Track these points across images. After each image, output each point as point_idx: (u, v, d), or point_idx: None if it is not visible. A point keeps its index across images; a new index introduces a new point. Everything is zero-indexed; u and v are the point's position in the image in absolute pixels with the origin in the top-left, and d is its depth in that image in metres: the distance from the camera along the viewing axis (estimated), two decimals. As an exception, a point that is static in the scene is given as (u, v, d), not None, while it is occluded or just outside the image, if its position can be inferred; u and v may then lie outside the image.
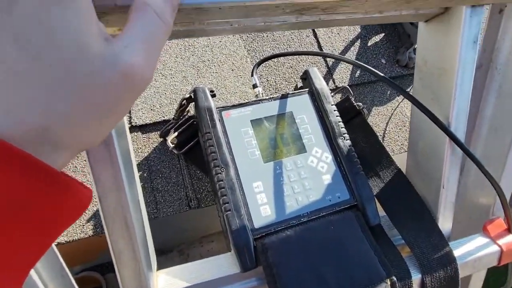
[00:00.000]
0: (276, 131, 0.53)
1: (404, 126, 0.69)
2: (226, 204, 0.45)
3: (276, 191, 0.49)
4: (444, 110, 0.46)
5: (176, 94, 0.63)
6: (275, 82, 0.67)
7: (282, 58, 0.70)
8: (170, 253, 0.67)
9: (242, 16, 0.32)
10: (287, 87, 0.67)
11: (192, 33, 0.35)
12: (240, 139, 0.51)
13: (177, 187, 0.56)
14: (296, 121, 0.54)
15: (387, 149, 0.67)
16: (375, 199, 0.51)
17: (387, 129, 0.68)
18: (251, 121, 0.53)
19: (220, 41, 0.69)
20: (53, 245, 0.38)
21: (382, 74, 0.48)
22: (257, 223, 0.46)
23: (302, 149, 0.52)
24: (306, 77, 0.59)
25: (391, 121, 0.69)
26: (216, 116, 0.51)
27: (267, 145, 0.52)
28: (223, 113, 0.52)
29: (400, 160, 0.60)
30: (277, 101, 0.55)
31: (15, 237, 0.13)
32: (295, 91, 0.57)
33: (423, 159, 0.52)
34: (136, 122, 0.59)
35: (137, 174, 0.42)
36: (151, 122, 0.59)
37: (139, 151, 0.58)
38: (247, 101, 0.54)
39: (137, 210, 0.39)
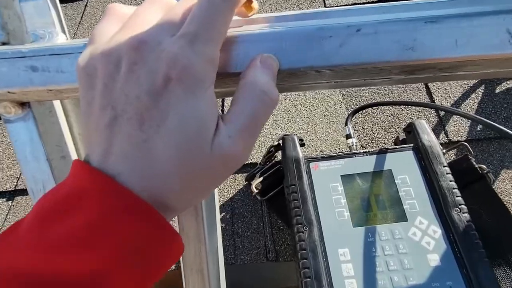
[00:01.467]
0: (370, 191, 0.47)
1: (551, 199, 0.52)
2: (306, 270, 0.41)
3: (366, 264, 0.42)
4: None
5: (265, 137, 0.63)
6: (371, 131, 0.61)
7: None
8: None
9: (341, 77, 0.29)
10: (385, 138, 0.60)
11: (285, 90, 0.34)
12: (328, 196, 0.46)
13: (257, 234, 0.54)
14: (396, 181, 0.47)
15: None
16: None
17: (524, 200, 0.53)
18: (341, 176, 0.48)
19: (315, 86, 0.68)
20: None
21: (510, 132, 0.37)
22: (340, 300, 0.40)
23: (402, 217, 0.44)
24: (411, 130, 0.51)
25: (529, 190, 0.53)
26: (303, 168, 0.48)
27: (359, 206, 0.46)
28: (311, 164, 0.49)
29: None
30: (374, 156, 0.49)
31: (131, 279, 0.16)
32: (396, 146, 0.50)
33: None
34: (225, 163, 0.61)
35: (219, 221, 0.42)
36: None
37: (225, 191, 0.59)
38: (339, 153, 0.49)
39: (214, 260, 0.38)
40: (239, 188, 0.59)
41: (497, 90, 0.63)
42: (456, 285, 0.39)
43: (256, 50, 0.25)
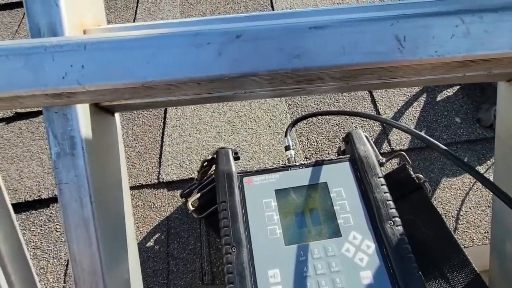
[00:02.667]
0: (305, 206, 0.44)
1: (489, 206, 0.52)
2: (231, 295, 0.38)
3: (297, 285, 0.39)
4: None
5: (207, 150, 0.60)
6: (316, 141, 0.60)
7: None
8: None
9: (280, 85, 0.26)
10: (330, 148, 0.58)
11: (229, 99, 0.31)
12: (260, 213, 0.44)
13: (193, 255, 0.50)
14: (331, 195, 0.45)
15: (464, 236, 0.51)
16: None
17: (463, 209, 0.52)
18: (275, 191, 0.45)
19: (261, 96, 0.66)
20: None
21: (443, 147, 0.36)
22: (268, 327, 0.36)
23: (336, 232, 0.42)
24: (348, 140, 0.50)
25: (468, 199, 0.53)
26: (236, 183, 0.45)
27: (292, 222, 0.43)
28: (245, 179, 0.46)
29: (482, 254, 0.44)
30: (310, 169, 0.47)
31: None
32: (332, 158, 0.48)
33: (514, 268, 0.36)
34: (163, 178, 0.57)
35: (133, 248, 0.38)
36: (178, 179, 0.57)
37: (162, 209, 0.55)
38: (274, 166, 0.47)
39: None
40: (178, 206, 0.55)
41: (438, 98, 0.63)
42: (388, 303, 0.37)
43: (125, 57, 0.22)
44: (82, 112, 0.28)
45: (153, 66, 0.22)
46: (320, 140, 0.60)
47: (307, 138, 0.60)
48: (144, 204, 0.56)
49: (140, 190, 0.57)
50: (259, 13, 0.24)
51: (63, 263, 0.51)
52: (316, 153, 0.58)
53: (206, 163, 0.51)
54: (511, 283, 0.37)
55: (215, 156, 0.50)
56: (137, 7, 0.86)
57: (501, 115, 0.37)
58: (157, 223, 0.54)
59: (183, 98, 0.31)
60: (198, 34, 0.22)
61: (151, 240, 0.52)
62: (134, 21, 0.83)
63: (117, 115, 0.36)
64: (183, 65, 0.22)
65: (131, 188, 0.57)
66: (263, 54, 0.22)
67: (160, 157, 0.60)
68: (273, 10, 0.81)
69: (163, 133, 0.63)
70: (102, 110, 0.32)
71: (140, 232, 0.53)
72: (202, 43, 0.22)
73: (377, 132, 0.60)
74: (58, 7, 0.26)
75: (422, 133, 0.43)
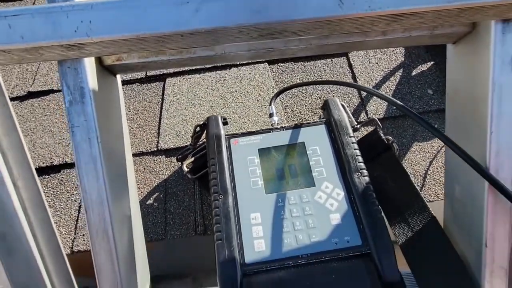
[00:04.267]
0: (284, 162, 0.50)
1: (454, 166, 0.58)
2: (218, 233, 0.44)
3: (275, 226, 0.45)
4: (480, 149, 0.37)
5: (201, 121, 0.66)
6: (300, 112, 0.65)
7: (310, 88, 0.68)
8: (185, 278, 0.67)
9: (248, 39, 0.32)
10: (312, 118, 0.64)
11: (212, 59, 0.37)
12: (245, 168, 0.50)
13: (188, 211, 0.57)
14: (308, 152, 0.51)
15: (430, 192, 0.57)
16: (395, 250, 0.42)
17: (431, 169, 0.58)
18: (258, 149, 0.51)
19: (250, 73, 0.72)
20: (64, 253, 0.42)
21: (402, 104, 0.42)
22: (249, 258, 0.42)
23: (310, 183, 0.48)
24: (325, 107, 0.55)
25: (436, 160, 0.58)
26: (224, 143, 0.51)
27: (273, 175, 0.49)
28: (232, 140, 0.52)
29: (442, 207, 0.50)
30: (290, 131, 0.53)
31: None
32: (310, 121, 0.54)
33: (461, 208, 0.42)
34: (161, 146, 0.64)
35: (133, 189, 0.44)
36: (175, 147, 0.63)
37: (160, 173, 0.61)
38: (258, 129, 0.53)
39: (124, 225, 0.40)
40: (174, 170, 0.62)
41: (413, 73, 0.69)
42: (352, 239, 0.43)
43: (122, 14, 0.28)
44: (90, 68, 0.35)
45: (144, 22, 0.28)
46: (304, 111, 0.66)
47: (291, 110, 0.66)
48: (144, 169, 0.62)
49: (140, 157, 0.64)
50: None
51: (74, 219, 0.58)
52: (305, 121, 0.64)
53: (198, 128, 0.57)
54: (459, 222, 0.43)
55: (206, 122, 0.56)
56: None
57: (449, 76, 0.42)
58: (156, 184, 0.60)
59: (173, 58, 0.37)
60: (179, -5, 0.28)
61: (151, 198, 0.59)
62: None
63: (118, 77, 0.42)
64: (168, 21, 0.28)
65: (133, 155, 0.64)
66: (231, 11, 0.28)
67: (159, 128, 0.66)
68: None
69: (161, 107, 0.69)
70: (106, 70, 0.38)
71: (141, 192, 0.60)
72: (183, 2, 0.28)
73: (356, 104, 0.66)
74: (69, -21, 0.32)
75: (395, 99, 0.49)
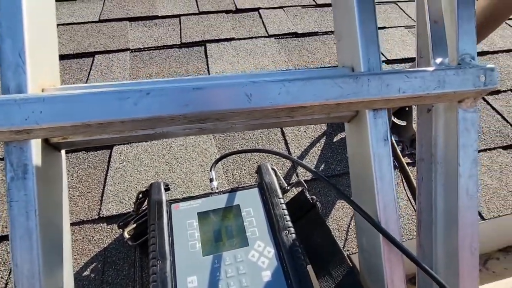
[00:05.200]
0: (221, 224, 0.55)
1: (370, 220, 0.67)
2: (154, 300, 0.45)
3: (211, 287, 0.47)
4: (372, 206, 0.46)
5: (146, 187, 0.69)
6: (239, 176, 0.72)
7: (249, 154, 0.77)
8: None
9: (180, 124, 0.39)
10: (250, 181, 0.71)
11: (151, 137, 0.43)
12: (184, 231, 0.53)
13: (127, 280, 0.56)
14: (242, 214, 0.56)
15: (352, 245, 0.64)
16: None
17: (352, 223, 0.67)
18: (198, 213, 0.56)
19: (195, 141, 0.79)
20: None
21: (315, 170, 0.51)
22: (185, 323, 0.44)
23: (244, 243, 0.52)
24: (258, 171, 0.63)
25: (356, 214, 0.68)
26: (164, 209, 0.55)
27: (210, 237, 0.53)
28: (173, 205, 0.56)
29: (365, 257, 0.57)
30: (227, 195, 0.59)
31: None
32: (245, 185, 0.61)
33: (368, 258, 0.49)
34: (103, 214, 0.64)
35: (69, 261, 0.44)
36: (117, 214, 0.64)
37: (100, 241, 0.61)
38: (198, 194, 0.58)
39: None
40: (115, 237, 0.62)
41: (335, 139, 0.82)
42: (282, 294, 0.47)
43: (70, 106, 0.34)
44: (35, 146, 0.38)
45: (89, 112, 0.34)
46: (243, 175, 0.73)
47: (232, 174, 0.73)
48: (83, 238, 0.61)
49: (80, 226, 0.63)
50: (173, 78, 0.39)
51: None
52: (240, 185, 0.71)
53: (141, 194, 0.60)
54: (369, 270, 0.50)
55: (149, 188, 0.59)
56: (90, 69, 0.99)
57: (348, 147, 0.53)
58: (94, 254, 0.59)
59: (116, 136, 0.42)
60: (121, 92, 0.35)
61: (88, 269, 0.57)
62: (86, 81, 0.95)
63: (63, 152, 0.46)
64: (110, 111, 0.35)
65: (72, 224, 0.63)
66: (164, 104, 0.36)
67: (102, 195, 0.68)
68: (208, 73, 0.99)
69: (106, 174, 0.72)
70: (51, 146, 0.42)
71: (78, 263, 0.58)
72: (124, 97, 0.35)
73: (288, 167, 0.75)
74: (24, 74, 0.37)
75: (310, 166, 0.58)
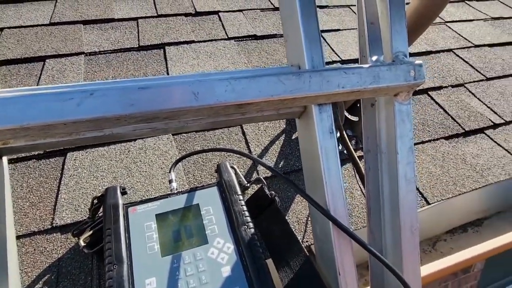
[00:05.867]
0: (180, 224, 0.55)
1: (328, 211, 0.70)
2: (111, 305, 0.44)
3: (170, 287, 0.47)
4: (322, 195, 0.48)
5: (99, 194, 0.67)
6: (200, 176, 0.73)
7: (210, 154, 0.77)
8: None
9: (127, 124, 0.38)
10: (211, 181, 0.72)
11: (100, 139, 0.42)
12: (141, 234, 0.52)
13: (83, 289, 0.54)
14: (202, 212, 0.57)
15: (311, 236, 0.67)
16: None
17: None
18: (156, 215, 0.55)
19: (155, 144, 0.78)
20: None
21: (270, 166, 0.53)
22: (143, 325, 0.43)
23: (204, 241, 0.53)
24: (217, 170, 0.64)
25: (313, 207, 0.71)
26: (121, 213, 0.54)
27: (169, 238, 0.53)
28: (130, 209, 0.55)
29: (323, 246, 0.60)
30: (186, 195, 0.59)
31: None
32: (204, 184, 0.61)
33: (322, 245, 0.52)
34: (57, 223, 0.62)
35: (15, 278, 0.42)
36: (72, 222, 0.62)
37: (53, 252, 0.58)
38: (155, 196, 0.58)
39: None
40: (70, 247, 0.60)
41: (293, 137, 0.85)
42: (241, 287, 0.48)
43: (8, 108, 0.33)
44: (-30, 153, 0.36)
45: (28, 114, 0.33)
46: (204, 175, 0.73)
47: (193, 175, 0.73)
48: (34, 250, 0.58)
49: (31, 237, 0.60)
50: (120, 80, 0.38)
51: None
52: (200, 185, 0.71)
53: (96, 200, 0.58)
54: (323, 257, 0.52)
55: (104, 193, 0.58)
56: (41, 74, 0.94)
57: (300, 142, 0.56)
58: (47, 265, 0.57)
59: (62, 140, 0.41)
60: (63, 93, 0.35)
61: (40, 282, 0.55)
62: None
63: (4, 159, 0.44)
64: (51, 113, 0.34)
65: (22, 236, 0.60)
66: (109, 104, 0.36)
67: (55, 204, 0.65)
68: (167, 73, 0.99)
69: (60, 182, 0.69)
70: (-11, 153, 0.40)
71: (29, 277, 0.55)
72: (66, 98, 0.35)
73: (249, 165, 0.77)
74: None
75: (270, 164, 0.60)
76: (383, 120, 0.59)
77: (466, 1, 1.69)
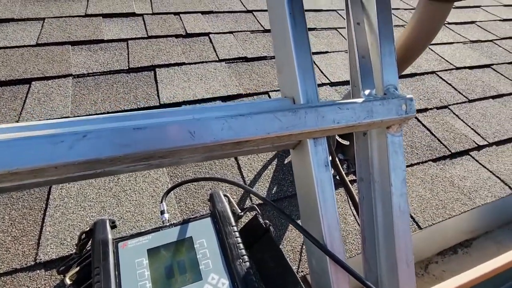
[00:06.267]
0: (173, 259, 0.53)
1: (322, 238, 0.70)
2: None
3: (162, 330, 0.45)
4: (318, 229, 0.48)
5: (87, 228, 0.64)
6: (192, 205, 0.71)
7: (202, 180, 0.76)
8: None
9: (121, 164, 0.37)
10: (204, 209, 0.71)
11: (90, 176, 0.40)
12: (132, 271, 0.50)
13: (69, 332, 0.51)
14: (195, 246, 0.55)
15: (306, 265, 0.66)
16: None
17: (304, 245, 0.69)
18: (147, 250, 0.53)
19: (145, 171, 0.76)
20: None
21: (264, 198, 0.52)
22: None
23: (197, 277, 0.51)
24: (210, 199, 0.63)
25: (307, 234, 0.70)
26: (110, 248, 0.52)
27: (161, 275, 0.51)
28: (120, 244, 0.53)
29: (318, 276, 0.59)
30: (178, 227, 0.57)
31: None
32: (197, 215, 0.60)
33: (319, 279, 0.51)
34: (41, 259, 0.59)
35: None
36: (58, 257, 0.59)
37: (37, 291, 0.55)
38: (147, 229, 0.56)
39: None
40: (56, 284, 0.57)
41: (286, 161, 0.85)
42: (237, 327, 0.46)
43: (-7, 155, 0.31)
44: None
45: (17, 159, 0.32)
46: (196, 203, 0.72)
47: (185, 203, 0.72)
48: (16, 289, 0.55)
49: (13, 275, 0.57)
50: (112, 115, 0.37)
51: None
52: (192, 215, 0.69)
53: (84, 235, 0.56)
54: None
55: (92, 227, 0.56)
56: (26, 97, 0.92)
57: (294, 172, 0.56)
58: (30, 306, 0.53)
59: (51, 179, 0.40)
60: (54, 135, 0.34)
61: (22, 325, 0.51)
62: (21, 111, 0.87)
63: (-13, 198, 0.41)
64: (41, 157, 0.33)
65: (3, 274, 0.56)
66: (101, 146, 0.35)
67: (39, 238, 0.62)
68: (159, 99, 0.98)
69: (44, 214, 0.66)
70: (-28, 195, 0.38)
71: (9, 320, 0.52)
72: (57, 141, 0.33)
73: (242, 192, 0.76)
74: None
75: (259, 192, 0.60)
76: (375, 149, 0.60)
77: (445, 25, 1.77)
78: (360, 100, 0.48)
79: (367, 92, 0.52)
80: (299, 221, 0.51)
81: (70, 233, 0.63)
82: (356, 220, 0.72)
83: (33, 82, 0.97)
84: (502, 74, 1.43)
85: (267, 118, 0.42)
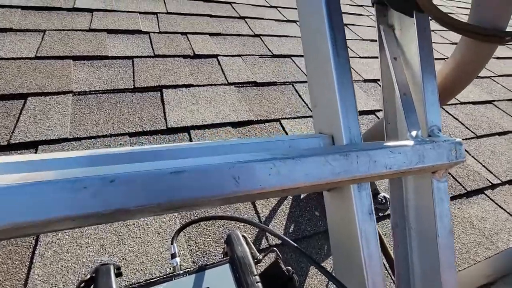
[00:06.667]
0: (188, 316, 0.46)
1: None
2: None
3: None
4: (360, 284, 0.42)
5: (87, 267, 0.56)
6: (203, 244, 0.64)
7: (213, 216, 0.69)
8: None
9: (150, 213, 0.31)
10: (216, 250, 0.63)
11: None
12: (141, 333, 0.42)
13: None
14: (213, 299, 0.48)
15: (331, 318, 0.59)
16: None
17: (328, 292, 0.62)
18: (159, 304, 0.46)
19: (151, 203, 0.69)
20: None
21: (289, 241, 0.46)
22: None
23: None
24: (228, 242, 0.56)
25: (331, 283, 0.63)
26: (115, 303, 0.44)
27: (175, 337, 0.43)
28: (126, 297, 0.45)
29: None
30: (193, 276, 0.50)
31: None
32: (214, 262, 0.53)
33: None
34: (27, 309, 0.49)
35: None
36: (47, 307, 0.50)
37: None
38: (157, 278, 0.48)
39: None
40: None
41: (302, 196, 0.79)
42: None
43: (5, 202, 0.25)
44: None
45: (28, 211, 0.25)
46: (208, 243, 0.65)
47: (195, 242, 0.64)
48: None
49: (-10, 331, 0.47)
50: (141, 148, 0.32)
51: None
52: (203, 256, 0.62)
53: (83, 284, 0.48)
54: None
55: (94, 274, 0.48)
56: (20, 114, 0.84)
57: (328, 217, 0.51)
58: None
59: (56, 229, 0.33)
60: (76, 180, 0.27)
61: None
62: (14, 129, 0.79)
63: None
64: (58, 208, 0.26)
65: (-22, 329, 0.47)
66: (133, 194, 0.28)
67: (26, 283, 0.53)
68: (166, 122, 0.92)
69: (33, 252, 0.57)
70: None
71: None
72: (79, 187, 0.27)
73: (257, 230, 0.69)
74: None
75: (278, 232, 0.54)
76: (411, 192, 0.56)
77: (445, 60, 1.82)
78: (410, 143, 0.43)
79: (414, 133, 0.48)
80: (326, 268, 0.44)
81: (63, 277, 0.54)
82: (389, 273, 0.66)
83: (29, 98, 0.89)
84: (504, 111, 1.45)
85: (318, 162, 0.37)
